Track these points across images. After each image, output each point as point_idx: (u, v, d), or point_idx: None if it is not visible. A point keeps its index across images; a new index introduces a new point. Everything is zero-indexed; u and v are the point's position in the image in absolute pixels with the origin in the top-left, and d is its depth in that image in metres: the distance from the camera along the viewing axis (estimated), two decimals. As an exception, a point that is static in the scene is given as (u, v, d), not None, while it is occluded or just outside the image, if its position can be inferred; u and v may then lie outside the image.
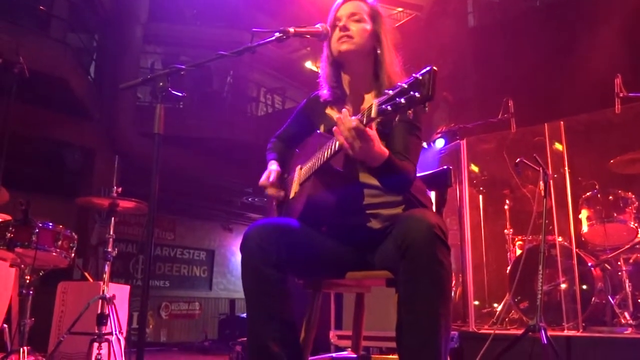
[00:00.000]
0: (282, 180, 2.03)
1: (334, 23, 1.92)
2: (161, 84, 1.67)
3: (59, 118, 7.58)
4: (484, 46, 7.01)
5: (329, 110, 1.99)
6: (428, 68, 1.32)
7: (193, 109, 9.65)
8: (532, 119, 4.59)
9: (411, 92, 1.32)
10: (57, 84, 6.75)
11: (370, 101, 1.88)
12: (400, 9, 8.72)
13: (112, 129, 8.30)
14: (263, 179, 1.99)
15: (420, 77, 1.32)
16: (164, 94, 1.68)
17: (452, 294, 1.46)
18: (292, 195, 1.93)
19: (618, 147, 4.29)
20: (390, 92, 1.37)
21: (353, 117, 1.48)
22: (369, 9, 1.93)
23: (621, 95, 3.74)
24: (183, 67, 1.71)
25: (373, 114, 1.41)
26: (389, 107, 1.36)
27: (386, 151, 1.59)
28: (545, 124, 4.22)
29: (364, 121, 1.46)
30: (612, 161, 4.15)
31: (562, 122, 4.16)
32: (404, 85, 1.34)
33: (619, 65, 4.24)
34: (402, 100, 1.33)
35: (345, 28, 1.87)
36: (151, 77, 1.69)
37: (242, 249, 1.68)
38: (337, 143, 1.58)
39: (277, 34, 1.77)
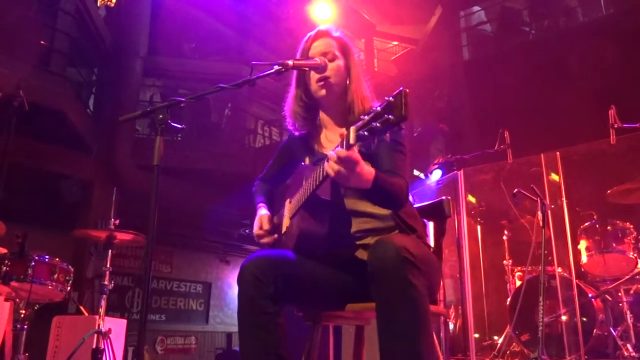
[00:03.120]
0: (273, 224, 2.03)
1: None
2: (161, 116, 1.67)
3: (57, 151, 7.59)
4: (479, 78, 7.11)
5: (311, 145, 2.02)
6: (399, 90, 1.34)
7: (191, 140, 9.69)
8: (529, 150, 4.62)
9: (385, 115, 1.33)
10: (56, 117, 6.78)
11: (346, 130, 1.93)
12: (396, 43, 8.88)
13: (110, 161, 8.30)
14: (256, 229, 1.99)
15: (392, 99, 1.33)
16: (164, 126, 1.68)
17: (429, 314, 1.42)
18: (284, 229, 1.92)
19: (615, 177, 4.31)
20: (366, 117, 1.39)
21: (337, 149, 1.48)
22: (337, 44, 1.96)
23: (616, 126, 3.78)
24: (183, 99, 1.72)
25: (351, 140, 1.42)
26: (365, 133, 1.38)
27: (372, 171, 1.58)
28: (542, 155, 4.25)
29: (344, 148, 1.47)
30: (609, 191, 4.16)
31: (558, 153, 4.19)
32: (377, 109, 1.36)
33: (613, 96, 4.30)
34: (378, 124, 1.35)
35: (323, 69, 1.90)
36: (151, 109, 1.70)
37: (238, 281, 1.67)
38: (322, 173, 1.59)
39: (276, 67, 1.79)
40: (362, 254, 1.84)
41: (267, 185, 2.21)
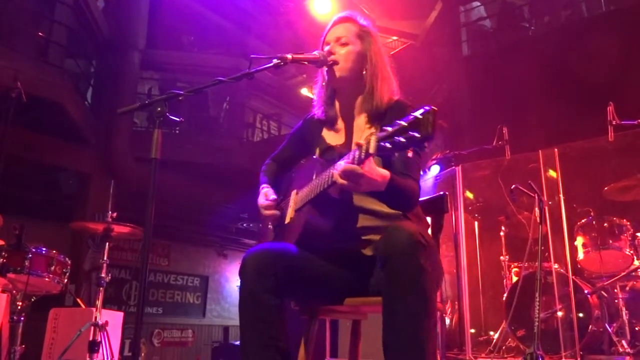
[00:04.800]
0: (278, 203, 2.03)
1: (323, 48, 1.94)
2: (159, 109, 1.67)
3: (55, 143, 7.57)
4: (478, 74, 7.10)
5: (324, 132, 2.01)
6: (428, 108, 1.33)
7: (189, 134, 9.68)
8: (527, 146, 4.63)
9: (410, 132, 1.32)
10: (54, 109, 6.75)
11: (362, 123, 1.91)
12: (395, 38, 8.85)
13: (108, 154, 8.29)
14: (262, 199, 1.97)
15: (420, 117, 1.32)
16: (162, 119, 1.68)
17: (436, 297, 1.44)
18: (287, 220, 1.93)
19: (612, 174, 4.32)
20: (389, 128, 1.36)
21: (345, 161, 1.49)
22: (357, 29, 1.94)
23: (614, 123, 3.78)
24: (181, 92, 1.71)
25: (371, 150, 1.41)
26: (387, 145, 1.36)
27: (387, 173, 1.58)
28: (540, 151, 4.25)
29: (362, 156, 1.46)
30: (606, 188, 4.17)
31: (556, 149, 4.19)
32: (403, 123, 1.34)
33: (612, 93, 4.30)
34: (402, 139, 1.33)
35: (329, 53, 1.89)
36: (149, 102, 1.69)
37: (240, 274, 1.67)
38: (331, 178, 1.59)
39: (275, 61, 1.78)
40: (365, 250, 1.84)
41: (278, 166, 2.19)
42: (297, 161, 2.03)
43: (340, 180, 1.51)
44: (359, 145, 1.47)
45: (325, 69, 1.91)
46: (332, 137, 1.98)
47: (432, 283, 1.49)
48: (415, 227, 1.53)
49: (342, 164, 1.51)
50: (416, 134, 1.31)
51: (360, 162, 1.47)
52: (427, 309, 1.46)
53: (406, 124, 1.33)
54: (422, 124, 1.31)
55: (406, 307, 1.46)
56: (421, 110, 1.33)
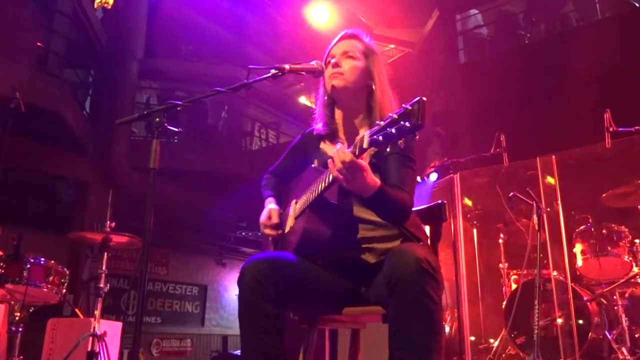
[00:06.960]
0: (280, 220, 2.03)
1: (327, 60, 1.96)
2: (157, 119, 1.68)
3: (53, 152, 7.57)
4: (475, 82, 7.13)
5: (323, 145, 2.02)
6: (417, 98, 1.35)
7: (188, 143, 9.68)
8: (524, 153, 4.64)
9: (401, 122, 1.35)
10: (52, 119, 6.75)
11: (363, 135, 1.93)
12: (392, 46, 8.90)
13: (106, 163, 8.28)
14: (264, 218, 1.99)
15: (410, 107, 1.35)
16: (160, 129, 1.68)
17: (444, 328, 1.46)
18: (287, 229, 1.93)
19: (610, 180, 4.32)
20: (382, 122, 1.40)
21: (346, 150, 1.51)
22: (362, 47, 1.98)
23: (611, 129, 3.79)
24: (179, 102, 1.72)
25: (365, 145, 1.44)
26: (380, 137, 1.39)
27: (378, 181, 1.60)
28: (537, 158, 4.27)
29: (356, 152, 1.48)
30: (604, 195, 4.17)
31: (554, 156, 4.20)
32: (394, 115, 1.37)
33: (609, 100, 4.32)
34: (393, 130, 1.36)
35: (336, 65, 1.92)
36: (148, 112, 1.70)
37: (239, 284, 1.68)
38: (331, 176, 1.60)
39: (273, 71, 1.79)
40: (367, 257, 1.84)
41: (277, 180, 2.21)
42: (296, 174, 2.05)
43: (334, 169, 1.51)
44: (354, 143, 1.50)
45: (326, 78, 1.93)
46: (331, 149, 1.98)
47: (439, 311, 1.50)
48: (423, 253, 1.53)
49: (338, 151, 1.52)
50: (407, 124, 1.34)
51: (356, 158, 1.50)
52: (434, 336, 1.47)
53: (397, 116, 1.37)
54: (412, 114, 1.34)
55: (413, 335, 1.47)
56: (411, 102, 1.36)
